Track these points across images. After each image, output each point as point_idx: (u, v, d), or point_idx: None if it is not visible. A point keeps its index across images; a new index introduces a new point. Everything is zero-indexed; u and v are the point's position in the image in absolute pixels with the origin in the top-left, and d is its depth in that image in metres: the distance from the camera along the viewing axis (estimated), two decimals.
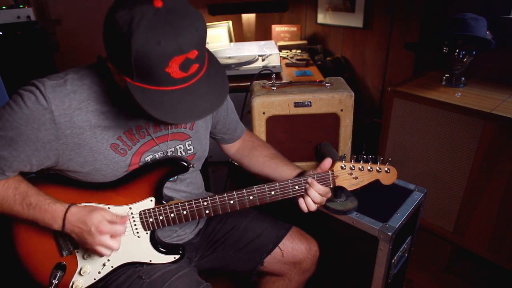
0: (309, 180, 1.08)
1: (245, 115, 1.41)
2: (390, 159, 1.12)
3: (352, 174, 1.10)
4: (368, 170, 1.11)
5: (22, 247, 1.06)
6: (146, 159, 1.05)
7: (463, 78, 1.86)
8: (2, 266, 1.10)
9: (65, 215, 0.95)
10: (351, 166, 1.10)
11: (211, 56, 0.91)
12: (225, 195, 1.05)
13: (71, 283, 1.07)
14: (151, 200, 1.04)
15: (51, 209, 0.95)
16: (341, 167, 1.10)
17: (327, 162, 1.11)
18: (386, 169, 1.11)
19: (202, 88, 0.85)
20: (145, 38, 0.74)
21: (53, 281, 1.03)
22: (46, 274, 1.06)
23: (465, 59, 1.77)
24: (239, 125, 1.34)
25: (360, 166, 1.10)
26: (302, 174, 1.17)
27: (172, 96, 0.81)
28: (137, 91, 0.80)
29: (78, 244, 1.03)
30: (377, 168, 1.11)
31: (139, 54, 0.75)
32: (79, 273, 1.07)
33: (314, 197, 1.09)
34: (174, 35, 0.75)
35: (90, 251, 1.02)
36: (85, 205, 0.99)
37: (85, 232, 0.94)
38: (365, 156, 1.10)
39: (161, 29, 0.75)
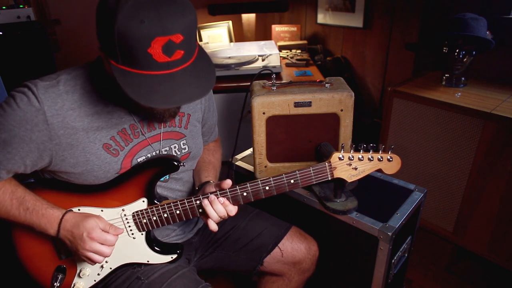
0: (211, 197, 1.01)
1: (245, 115, 1.41)
2: (392, 146, 1.06)
3: (351, 165, 1.06)
4: (369, 159, 1.05)
5: (22, 250, 1.06)
6: (138, 160, 1.04)
7: (463, 78, 1.86)
8: (5, 268, 1.11)
9: (61, 220, 0.95)
10: (350, 156, 1.05)
11: (202, 52, 0.91)
12: (218, 192, 1.03)
13: (72, 285, 1.08)
14: (143, 201, 1.04)
15: (48, 213, 0.95)
16: (339, 158, 1.05)
17: (227, 182, 1.03)
18: (388, 157, 1.05)
19: (185, 78, 0.83)
20: (129, 16, 0.75)
21: (55, 284, 1.03)
22: (47, 277, 1.06)
23: (465, 59, 1.76)
24: (215, 129, 1.35)
25: (360, 156, 1.05)
26: (205, 184, 1.13)
27: (153, 80, 0.81)
28: (120, 73, 0.80)
29: (71, 251, 1.02)
30: (379, 156, 1.05)
31: (122, 32, 0.76)
32: (79, 275, 1.07)
33: (212, 216, 1.02)
34: (158, 16, 0.76)
35: (81, 259, 1.00)
36: (81, 212, 0.99)
37: (76, 236, 0.94)
38: (365, 145, 1.05)
39: (146, 9, 0.76)
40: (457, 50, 1.76)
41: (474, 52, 1.75)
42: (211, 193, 1.03)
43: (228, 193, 1.03)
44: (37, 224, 0.96)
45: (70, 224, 0.95)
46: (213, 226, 1.04)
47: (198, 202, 1.03)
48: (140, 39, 0.76)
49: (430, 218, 1.90)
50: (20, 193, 0.97)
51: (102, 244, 0.95)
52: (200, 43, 2.76)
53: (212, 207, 1.01)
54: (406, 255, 1.41)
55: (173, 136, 1.11)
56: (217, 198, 1.02)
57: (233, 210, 1.04)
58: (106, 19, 0.77)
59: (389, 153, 1.06)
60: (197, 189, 1.16)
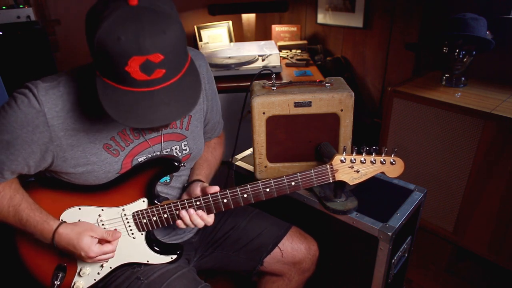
0: (191, 211, 1.02)
1: (245, 115, 1.41)
2: (395, 149, 1.04)
3: (353, 168, 1.05)
4: (371, 162, 1.04)
5: (23, 248, 1.07)
6: (139, 160, 1.04)
7: (463, 78, 1.86)
8: (6, 266, 1.11)
9: (53, 238, 0.97)
10: (352, 159, 1.04)
11: (192, 67, 0.87)
12: (218, 193, 1.03)
13: (72, 284, 1.08)
14: (144, 201, 1.04)
15: (40, 227, 0.97)
16: (341, 161, 1.04)
17: (213, 188, 1.05)
18: (391, 160, 1.04)
19: (165, 97, 0.80)
20: (107, 33, 0.73)
21: (55, 282, 1.03)
22: (48, 275, 1.06)
23: (465, 59, 1.76)
24: (219, 126, 1.34)
25: (362, 159, 1.04)
26: (193, 182, 1.13)
27: (131, 97, 0.79)
28: (101, 85, 0.79)
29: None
30: (381, 159, 1.04)
31: (100, 47, 0.75)
32: (79, 274, 1.07)
33: (188, 226, 1.05)
34: (136, 34, 0.73)
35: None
36: (73, 223, 1.00)
37: (76, 254, 0.97)
38: (367, 148, 1.04)
39: (125, 26, 0.73)
40: (457, 50, 1.76)
41: (474, 52, 1.75)
42: (198, 196, 1.04)
43: (229, 195, 1.03)
44: (33, 234, 0.98)
45: (64, 243, 0.97)
46: (180, 224, 1.05)
47: (198, 202, 1.03)
48: (117, 57, 0.74)
49: (430, 218, 1.90)
50: (17, 200, 0.98)
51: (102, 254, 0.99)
52: (200, 43, 2.76)
53: (190, 219, 1.03)
54: (406, 255, 1.41)
55: (174, 137, 1.10)
56: (195, 211, 1.03)
57: (210, 221, 1.06)
58: (90, 29, 0.77)
59: (392, 156, 1.05)
60: (185, 185, 1.16)
